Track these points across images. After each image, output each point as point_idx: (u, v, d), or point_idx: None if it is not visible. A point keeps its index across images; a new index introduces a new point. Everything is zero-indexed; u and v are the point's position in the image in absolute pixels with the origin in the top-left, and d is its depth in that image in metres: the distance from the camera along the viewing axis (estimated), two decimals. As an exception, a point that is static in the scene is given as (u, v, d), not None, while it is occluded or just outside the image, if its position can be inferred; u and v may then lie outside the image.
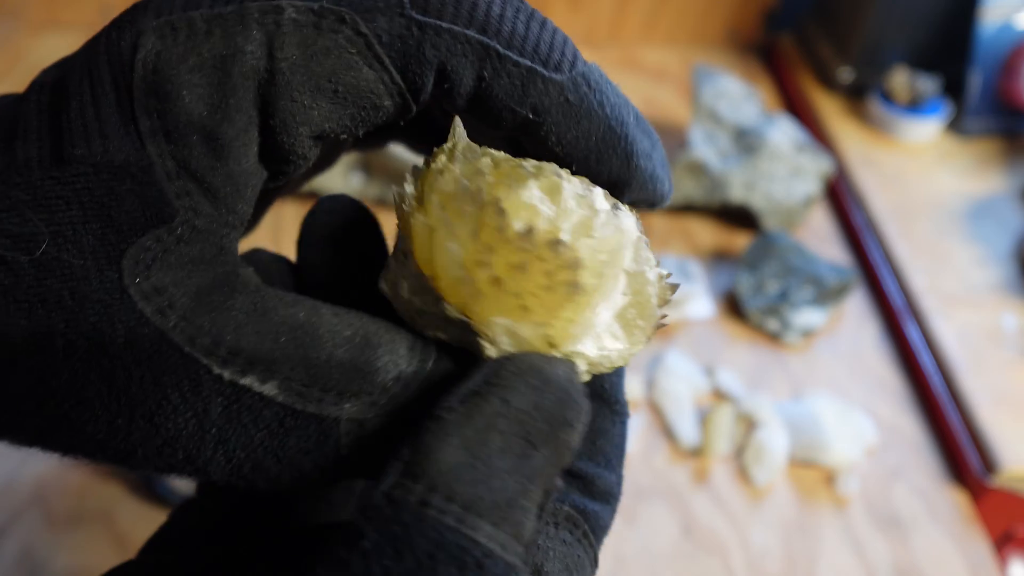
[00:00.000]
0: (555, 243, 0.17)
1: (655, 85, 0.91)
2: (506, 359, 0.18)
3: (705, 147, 0.69)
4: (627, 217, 0.19)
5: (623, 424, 0.22)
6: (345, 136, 0.20)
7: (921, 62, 0.81)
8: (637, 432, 0.55)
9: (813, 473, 0.54)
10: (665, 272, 0.19)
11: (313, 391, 0.18)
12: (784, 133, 0.69)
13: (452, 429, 0.17)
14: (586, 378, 0.20)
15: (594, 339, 0.18)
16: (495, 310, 0.18)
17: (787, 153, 0.69)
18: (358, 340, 0.19)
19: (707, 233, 0.71)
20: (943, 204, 0.72)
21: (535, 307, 0.18)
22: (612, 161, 0.21)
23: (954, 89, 0.80)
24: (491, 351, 0.18)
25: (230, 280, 0.19)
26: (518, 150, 0.20)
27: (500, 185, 0.18)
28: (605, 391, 0.22)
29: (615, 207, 0.19)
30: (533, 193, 0.18)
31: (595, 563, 0.20)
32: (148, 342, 0.18)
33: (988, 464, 0.52)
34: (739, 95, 0.73)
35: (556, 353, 0.18)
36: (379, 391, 0.19)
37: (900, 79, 0.79)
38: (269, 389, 0.18)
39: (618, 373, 0.21)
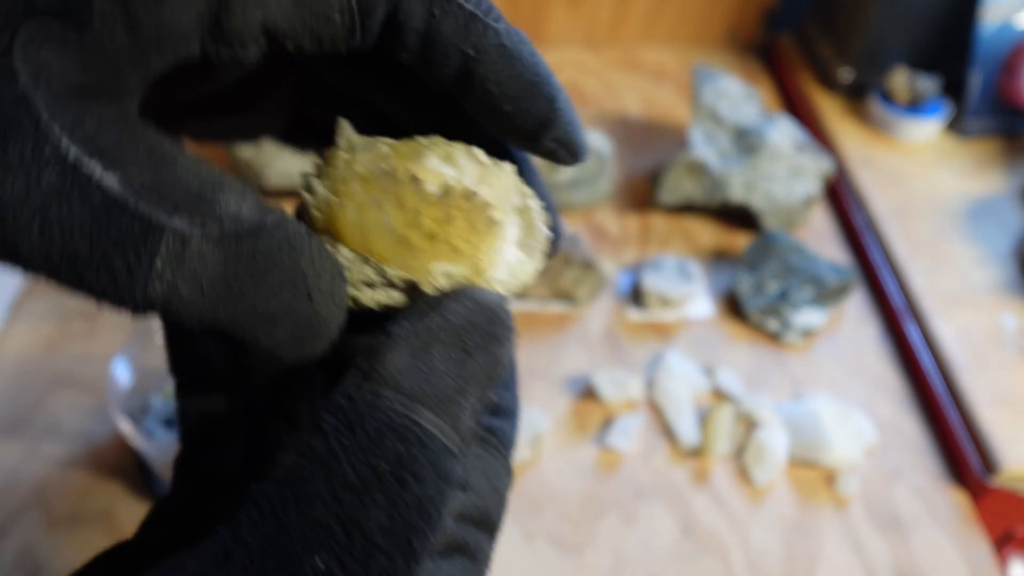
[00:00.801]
0: (468, 193, 0.22)
1: (655, 85, 0.91)
2: (445, 292, 0.21)
3: (705, 147, 0.69)
4: (506, 165, 0.23)
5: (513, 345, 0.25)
6: (291, 51, 0.21)
7: (921, 62, 0.81)
8: (637, 432, 0.55)
9: (813, 473, 0.54)
10: (540, 202, 0.24)
11: (151, 194, 0.19)
12: (784, 133, 0.69)
13: (401, 341, 0.20)
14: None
15: (506, 265, 0.23)
16: (432, 259, 0.22)
17: (787, 153, 0.69)
18: (211, 180, 0.20)
19: (707, 233, 0.71)
20: (943, 204, 0.72)
21: (464, 247, 0.22)
22: (540, 101, 0.23)
23: (954, 89, 0.80)
24: (433, 292, 0.22)
25: (113, 98, 0.20)
26: (450, 108, 0.24)
27: (407, 161, 0.22)
28: None
29: (494, 161, 0.23)
30: (434, 161, 0.22)
31: (510, 472, 0.24)
32: (9, 98, 0.18)
33: (988, 464, 0.52)
34: (739, 95, 0.73)
35: (482, 282, 0.22)
36: (214, 220, 0.19)
37: (900, 79, 0.79)
38: (108, 179, 0.18)
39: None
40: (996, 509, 0.54)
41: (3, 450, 0.53)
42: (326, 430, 0.19)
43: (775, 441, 0.53)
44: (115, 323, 0.61)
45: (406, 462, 0.19)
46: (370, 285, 0.22)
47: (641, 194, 0.75)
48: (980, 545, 0.50)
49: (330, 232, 0.22)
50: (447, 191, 0.22)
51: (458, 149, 0.23)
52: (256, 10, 0.20)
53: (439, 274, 0.22)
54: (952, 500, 0.53)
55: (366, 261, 0.22)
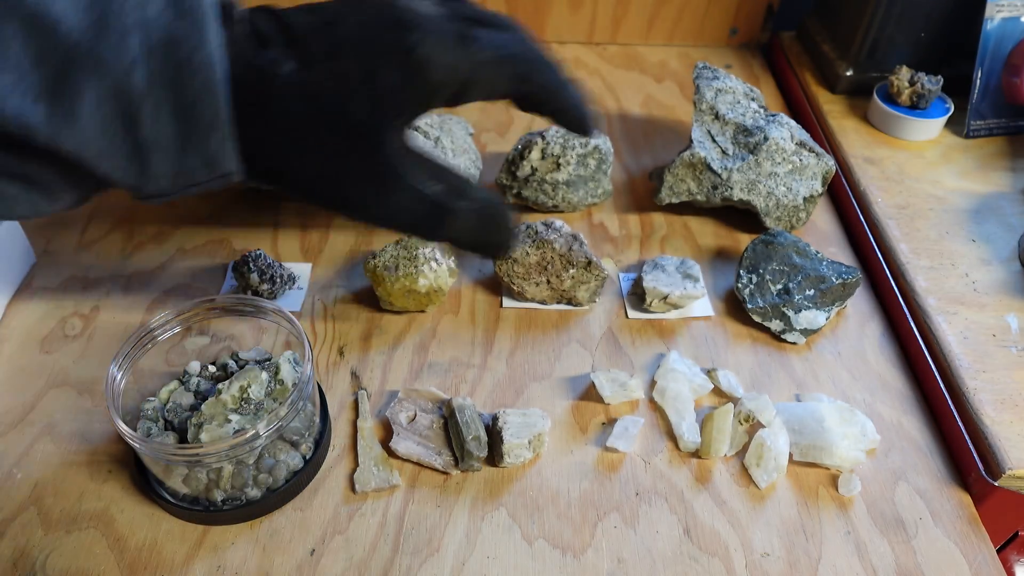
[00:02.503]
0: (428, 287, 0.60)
1: (657, 84, 0.90)
2: None
3: (706, 146, 0.69)
4: (446, 264, 0.61)
5: None
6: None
7: (923, 61, 0.81)
8: (638, 433, 0.55)
9: (815, 474, 0.53)
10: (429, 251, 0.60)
11: (451, 194, 0.39)
12: (786, 132, 0.69)
13: None
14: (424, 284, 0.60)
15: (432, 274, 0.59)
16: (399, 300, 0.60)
17: (789, 152, 0.68)
18: (463, 180, 0.40)
19: (708, 232, 0.71)
20: (946, 204, 0.72)
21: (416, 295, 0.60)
22: (586, 121, 0.42)
23: (956, 88, 0.80)
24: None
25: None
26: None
27: (410, 270, 0.59)
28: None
29: (439, 260, 0.61)
30: (421, 272, 0.59)
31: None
32: (396, 153, 0.38)
33: (991, 465, 0.52)
34: (741, 94, 0.72)
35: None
36: (474, 200, 0.40)
37: (902, 78, 0.78)
38: (437, 189, 0.39)
39: None
40: (999, 511, 0.53)
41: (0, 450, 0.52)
42: None
43: (777, 442, 0.53)
44: (112, 323, 0.61)
45: None
46: None
47: (642, 193, 0.75)
48: (983, 547, 0.50)
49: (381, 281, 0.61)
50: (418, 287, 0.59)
51: (426, 264, 0.60)
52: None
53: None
54: (955, 501, 0.52)
55: (377, 291, 0.61)
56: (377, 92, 0.36)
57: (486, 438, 0.52)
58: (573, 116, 0.41)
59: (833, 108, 0.83)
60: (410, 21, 0.36)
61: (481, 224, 0.40)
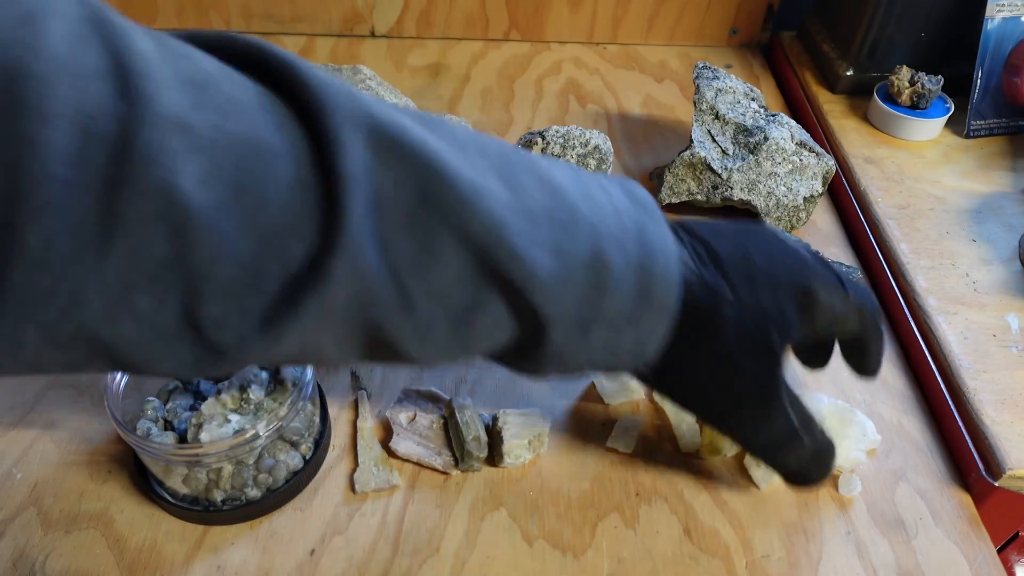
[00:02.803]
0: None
1: (657, 84, 0.90)
2: None
3: (706, 146, 0.69)
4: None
5: None
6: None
7: (923, 61, 0.81)
8: (638, 433, 0.55)
9: (815, 474, 0.53)
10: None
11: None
12: (786, 132, 0.69)
13: None
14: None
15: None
16: None
17: (789, 152, 0.68)
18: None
19: (708, 232, 0.71)
20: (946, 204, 0.72)
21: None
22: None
23: (956, 88, 0.80)
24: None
25: None
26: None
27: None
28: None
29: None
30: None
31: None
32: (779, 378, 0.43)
33: (992, 465, 0.52)
34: (741, 94, 0.72)
35: None
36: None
37: (902, 78, 0.78)
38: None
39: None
40: (1000, 511, 0.53)
41: (-1, 450, 0.52)
42: None
43: (777, 442, 0.53)
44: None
45: None
46: None
47: (642, 193, 0.75)
48: (983, 547, 0.50)
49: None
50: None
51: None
52: None
53: None
54: (956, 502, 0.52)
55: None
56: (785, 323, 0.40)
57: (486, 438, 0.52)
58: (873, 365, 0.47)
59: (833, 108, 0.83)
60: (803, 260, 0.41)
61: (814, 461, 0.45)
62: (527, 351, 0.38)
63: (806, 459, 0.44)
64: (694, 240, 0.41)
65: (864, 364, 0.47)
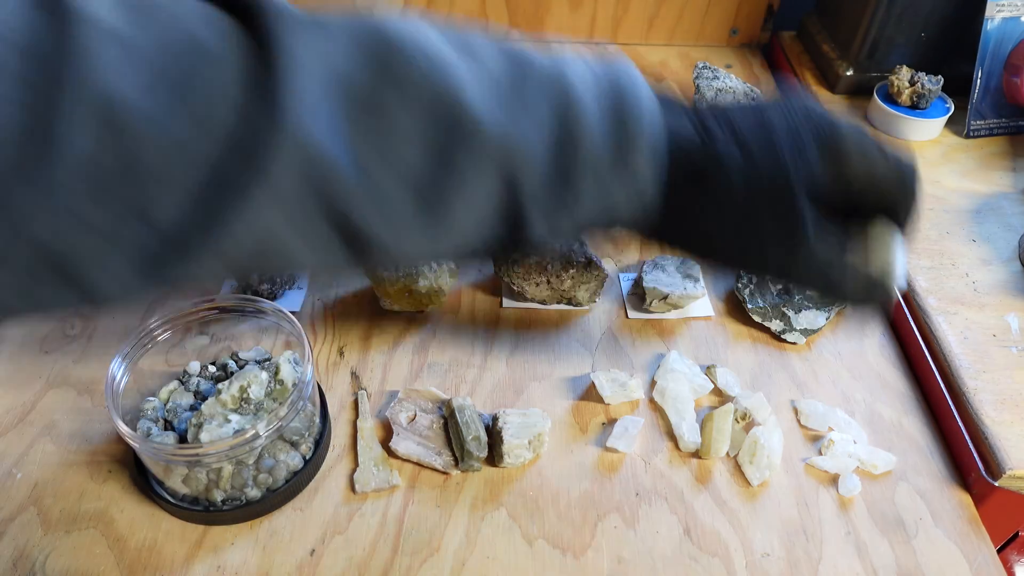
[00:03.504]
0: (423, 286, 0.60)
1: (656, 83, 0.90)
2: None
3: (706, 146, 0.69)
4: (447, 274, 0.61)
5: None
6: None
7: (923, 61, 0.81)
8: (638, 433, 0.55)
9: (815, 474, 0.53)
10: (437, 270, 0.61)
11: None
12: (786, 132, 0.69)
13: None
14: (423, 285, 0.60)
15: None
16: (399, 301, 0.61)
17: (789, 152, 0.68)
18: None
19: (708, 233, 0.71)
20: (946, 204, 0.72)
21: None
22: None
23: (956, 88, 0.80)
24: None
25: None
26: None
27: (410, 271, 0.60)
28: None
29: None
30: (421, 272, 0.60)
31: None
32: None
33: (992, 465, 0.52)
34: (741, 94, 0.72)
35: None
36: None
37: (902, 78, 0.78)
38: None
39: None
40: (999, 511, 0.53)
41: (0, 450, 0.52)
42: None
43: (771, 440, 0.53)
44: (112, 323, 0.61)
45: None
46: None
47: (642, 193, 0.75)
48: (983, 547, 0.50)
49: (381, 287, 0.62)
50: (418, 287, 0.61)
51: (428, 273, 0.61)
52: None
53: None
54: (955, 502, 0.52)
55: (377, 291, 0.63)
56: (803, 164, 0.39)
57: (486, 438, 0.52)
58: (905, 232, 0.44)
59: (833, 108, 0.83)
60: (831, 122, 0.40)
61: (869, 282, 0.42)
62: (513, 216, 0.37)
63: (862, 281, 0.41)
64: (707, 112, 0.42)
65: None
